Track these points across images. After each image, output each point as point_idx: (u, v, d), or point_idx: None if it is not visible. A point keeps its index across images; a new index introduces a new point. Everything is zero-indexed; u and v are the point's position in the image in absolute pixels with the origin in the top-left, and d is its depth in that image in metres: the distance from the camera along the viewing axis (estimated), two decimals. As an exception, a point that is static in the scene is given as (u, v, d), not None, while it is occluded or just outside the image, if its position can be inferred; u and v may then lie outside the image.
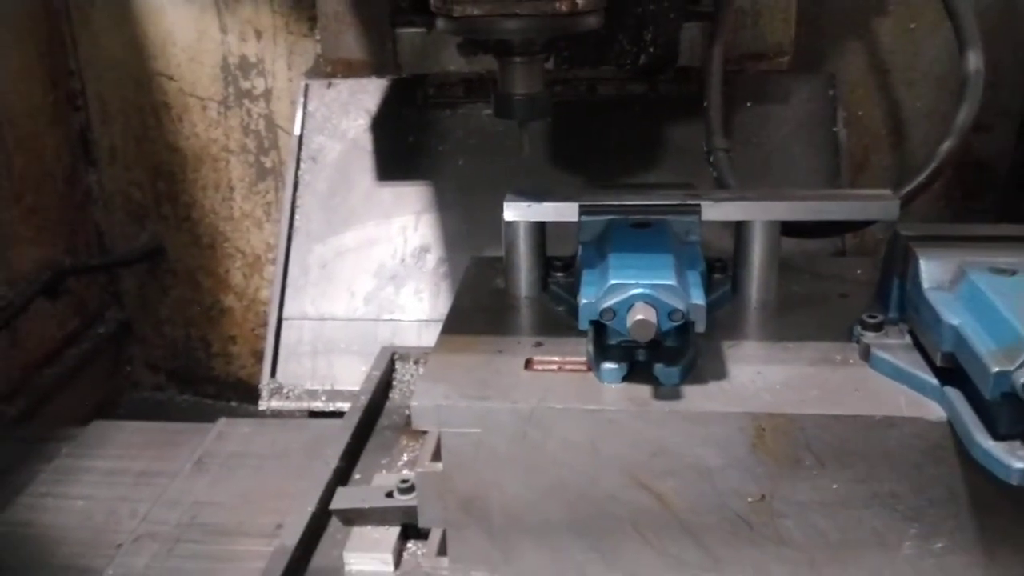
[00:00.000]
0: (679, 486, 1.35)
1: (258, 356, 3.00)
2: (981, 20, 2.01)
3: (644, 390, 1.35)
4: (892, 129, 2.64)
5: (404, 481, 1.54)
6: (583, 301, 1.34)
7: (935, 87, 2.56)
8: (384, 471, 1.79)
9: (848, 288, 1.65)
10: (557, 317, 1.61)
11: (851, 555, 1.36)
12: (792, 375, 1.38)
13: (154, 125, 2.87)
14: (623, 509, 1.37)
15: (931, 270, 1.37)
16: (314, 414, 2.38)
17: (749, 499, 1.34)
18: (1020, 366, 1.12)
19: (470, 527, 1.41)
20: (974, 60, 1.97)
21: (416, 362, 2.14)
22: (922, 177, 1.98)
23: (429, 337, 2.29)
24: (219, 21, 2.74)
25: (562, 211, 1.60)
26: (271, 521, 1.82)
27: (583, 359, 1.42)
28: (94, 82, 2.87)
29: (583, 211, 1.59)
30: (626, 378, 1.37)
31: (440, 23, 1.65)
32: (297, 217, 2.53)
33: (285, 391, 2.39)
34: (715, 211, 1.58)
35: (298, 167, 2.56)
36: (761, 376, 1.38)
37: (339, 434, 1.88)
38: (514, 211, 1.61)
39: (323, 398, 2.38)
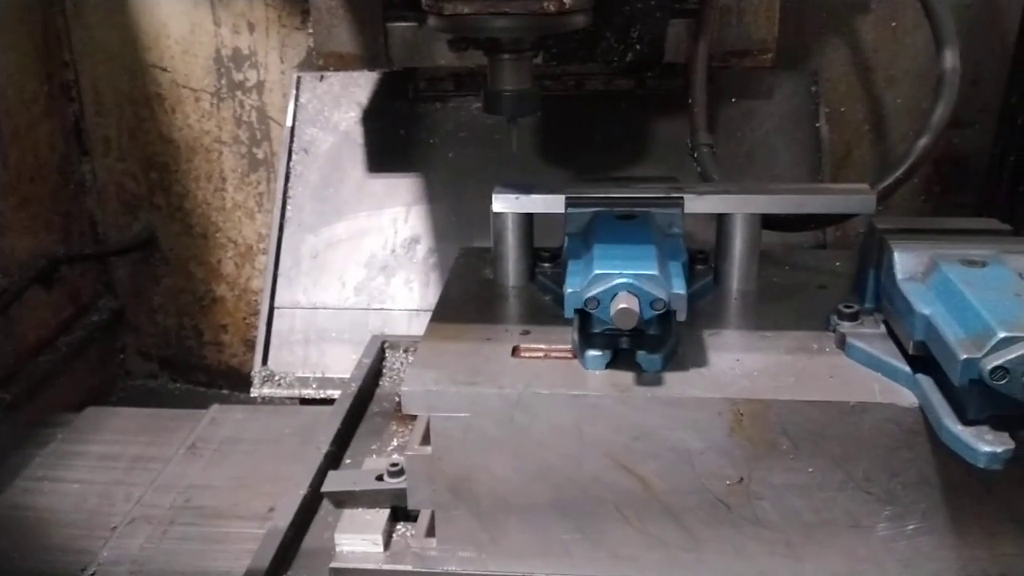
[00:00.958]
0: (660, 469, 1.37)
1: (249, 345, 3.03)
2: (962, 17, 2.00)
3: (627, 376, 1.37)
4: (873, 125, 2.66)
5: (394, 465, 1.54)
6: (568, 290, 1.36)
7: (916, 84, 2.58)
8: (374, 455, 1.80)
9: (826, 279, 1.67)
10: (544, 306, 1.63)
11: (826, 536, 1.38)
12: (770, 362, 1.41)
13: (148, 116, 2.88)
14: (606, 491, 1.39)
15: (904, 262, 1.39)
16: (305, 401, 2.40)
17: (728, 482, 1.37)
18: (987, 353, 1.14)
19: (458, 508, 1.43)
20: (951, 58, 1.98)
21: (406, 350, 2.15)
22: (899, 172, 1.99)
23: (419, 326, 2.33)
24: (212, 14, 2.75)
25: (549, 203, 1.63)
26: (264, 504, 1.85)
27: (568, 347, 1.45)
28: (88, 73, 2.87)
29: (569, 203, 1.62)
30: (610, 365, 1.39)
31: (431, 20, 1.65)
32: (289, 208, 2.55)
33: (277, 378, 2.41)
34: (697, 204, 1.60)
35: (290, 159, 2.58)
36: (740, 363, 1.40)
37: (330, 420, 1.90)
38: (502, 203, 1.63)
39: (314, 385, 2.41)
